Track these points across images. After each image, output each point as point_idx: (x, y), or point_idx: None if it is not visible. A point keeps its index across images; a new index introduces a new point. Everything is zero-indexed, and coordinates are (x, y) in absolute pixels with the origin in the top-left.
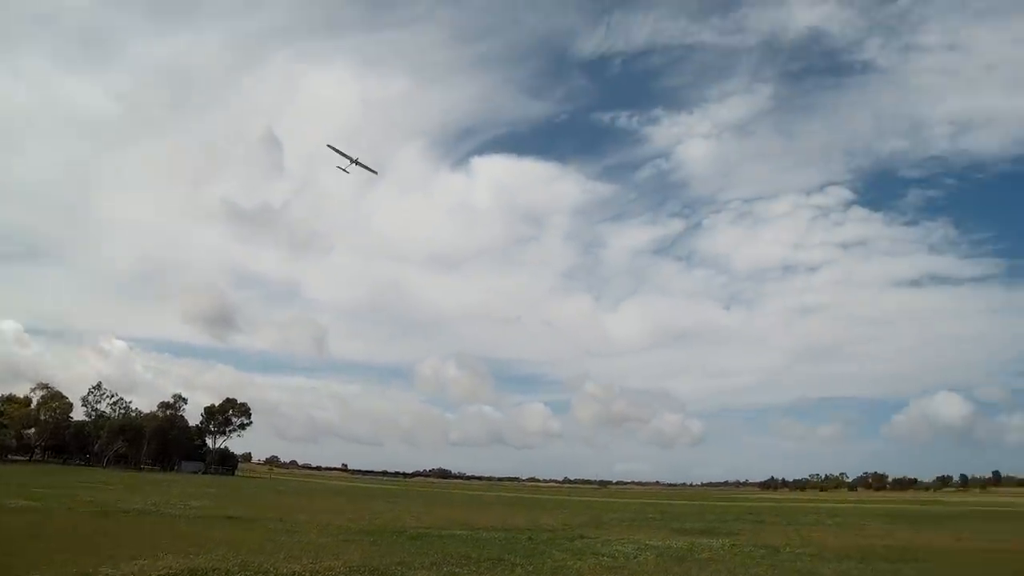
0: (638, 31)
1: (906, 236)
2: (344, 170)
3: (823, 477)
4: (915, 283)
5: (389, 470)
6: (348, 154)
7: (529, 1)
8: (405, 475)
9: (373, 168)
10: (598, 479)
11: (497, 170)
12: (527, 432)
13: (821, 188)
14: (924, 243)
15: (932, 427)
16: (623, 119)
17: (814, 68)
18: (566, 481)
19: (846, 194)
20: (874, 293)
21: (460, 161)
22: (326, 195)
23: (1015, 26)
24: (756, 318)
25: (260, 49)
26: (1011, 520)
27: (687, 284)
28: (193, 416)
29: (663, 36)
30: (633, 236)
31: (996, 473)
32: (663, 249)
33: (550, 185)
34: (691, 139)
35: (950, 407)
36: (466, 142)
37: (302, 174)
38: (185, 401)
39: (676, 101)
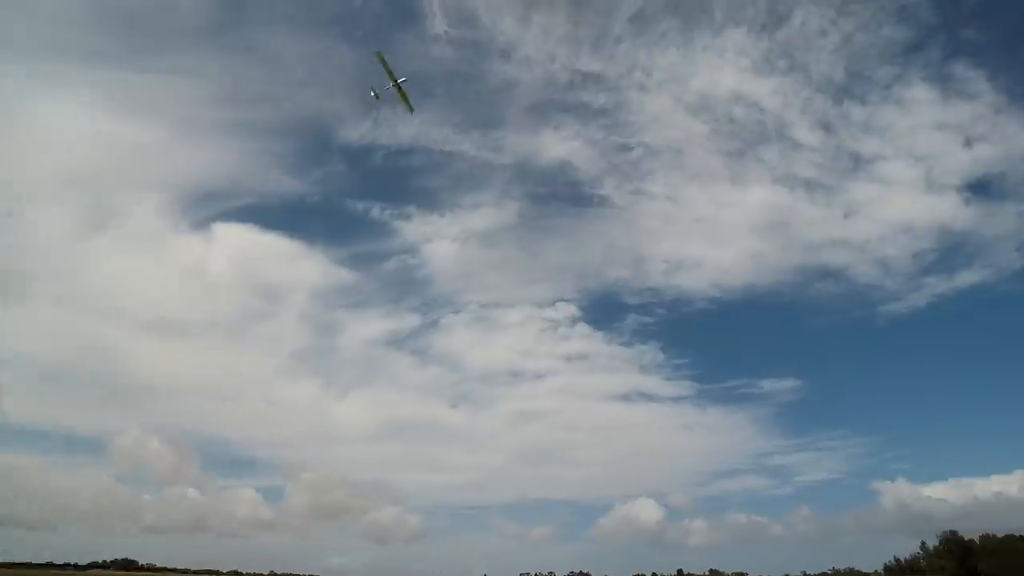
0: (404, 129)
1: (622, 355)
2: (376, 95)
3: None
4: (625, 398)
5: (58, 561)
6: (395, 73)
7: (303, 79)
8: (78, 567)
9: (412, 103)
10: (308, 573)
11: (239, 240)
12: (234, 520)
13: (552, 303)
14: (636, 363)
15: (631, 529)
16: (376, 210)
17: (558, 195)
18: (272, 575)
19: (574, 311)
20: (590, 404)
21: (200, 224)
22: (33, 236)
23: (716, 191)
24: (482, 418)
25: None
26: None
27: (419, 379)
28: None
29: (427, 139)
30: (371, 326)
31: (680, 571)
32: (399, 342)
33: (293, 264)
34: (439, 240)
35: (646, 512)
36: (210, 206)
37: (6, 207)
38: None
39: (430, 202)
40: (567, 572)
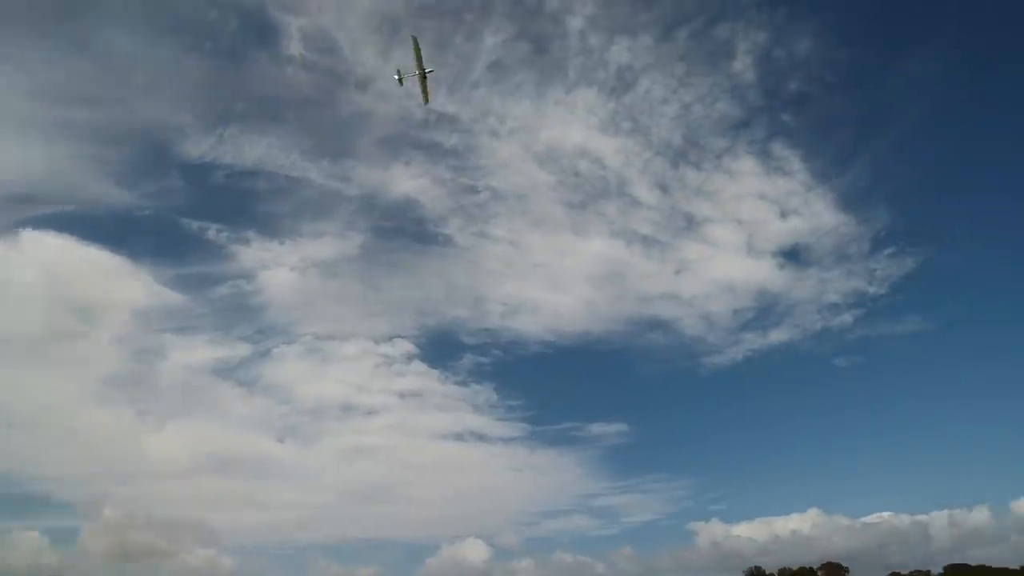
0: (250, 151)
1: (456, 394)
2: (400, 80)
3: None
4: (458, 437)
5: None
6: (424, 61)
7: (142, 85)
8: None
9: (428, 95)
10: None
11: (52, 250)
12: (8, 569)
13: (389, 339)
14: (470, 403)
15: (459, 569)
16: (212, 232)
17: (403, 231)
18: None
19: (411, 348)
20: (423, 442)
21: (5, 229)
22: None
23: (557, 239)
24: (310, 454)
25: None
26: None
27: (245, 411)
28: None
29: (273, 163)
30: (196, 352)
31: None
32: (226, 371)
33: (114, 280)
34: (278, 267)
35: (475, 552)
36: (19, 210)
37: None
38: None
39: (270, 227)
40: None
